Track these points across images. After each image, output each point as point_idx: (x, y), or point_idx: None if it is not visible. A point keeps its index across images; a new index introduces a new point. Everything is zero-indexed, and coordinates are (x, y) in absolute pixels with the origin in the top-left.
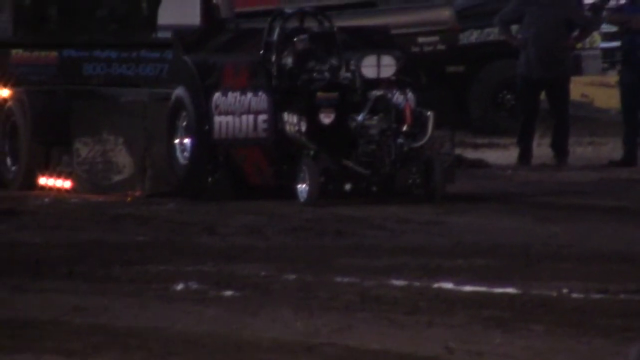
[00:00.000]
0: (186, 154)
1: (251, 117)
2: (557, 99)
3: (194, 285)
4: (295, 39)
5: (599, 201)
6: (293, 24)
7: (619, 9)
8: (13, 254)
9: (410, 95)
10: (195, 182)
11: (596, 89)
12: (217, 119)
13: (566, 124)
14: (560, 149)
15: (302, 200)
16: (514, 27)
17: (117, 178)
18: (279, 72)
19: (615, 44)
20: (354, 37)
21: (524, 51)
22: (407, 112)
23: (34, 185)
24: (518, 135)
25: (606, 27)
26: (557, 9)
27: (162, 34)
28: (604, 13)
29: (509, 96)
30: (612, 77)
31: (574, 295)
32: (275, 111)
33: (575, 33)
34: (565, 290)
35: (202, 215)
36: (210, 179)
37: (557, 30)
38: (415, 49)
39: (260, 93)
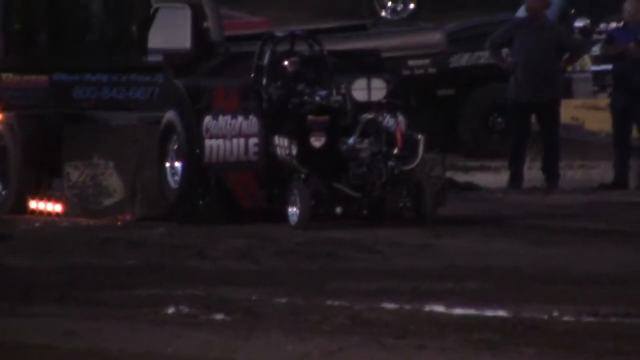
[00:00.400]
0: (177, 177)
1: (242, 140)
2: (547, 122)
3: (184, 309)
4: (285, 62)
5: (590, 224)
6: (284, 47)
7: (610, 38)
8: (3, 278)
9: (400, 118)
10: (186, 206)
11: (586, 112)
12: (208, 142)
13: (557, 147)
14: (551, 172)
15: (293, 223)
16: (505, 51)
17: (107, 202)
18: (270, 95)
19: (606, 67)
20: (345, 60)
21: (514, 74)
22: (398, 135)
23: (24, 209)
24: (509, 159)
25: (596, 51)
26: (547, 33)
27: (152, 58)
28: (594, 36)
29: (499, 119)
30: (603, 99)
31: (565, 318)
32: (266, 134)
33: (566, 56)
34: (556, 313)
35: (192, 238)
36: (201, 203)
37: (547, 54)
38: (406, 72)
39: (251, 116)
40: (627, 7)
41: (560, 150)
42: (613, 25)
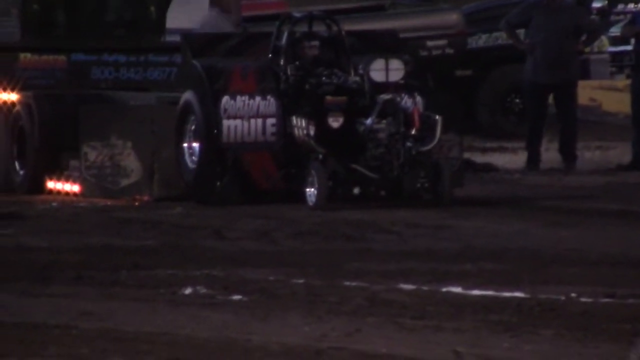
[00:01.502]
0: (194, 158)
1: (260, 121)
2: (564, 104)
3: (202, 290)
4: (304, 44)
5: (607, 205)
6: (301, 28)
7: (632, 20)
8: (21, 259)
9: (418, 99)
10: (204, 187)
11: (604, 93)
12: (226, 123)
13: (574, 129)
14: (568, 153)
15: (310, 204)
16: (521, 32)
17: (125, 182)
18: (287, 76)
19: (624, 48)
20: (363, 41)
21: (531, 56)
22: (416, 116)
23: (42, 189)
24: (526, 140)
25: (614, 32)
26: (565, 14)
27: (170, 38)
28: (612, 18)
29: (517, 100)
30: (621, 81)
31: (582, 299)
32: (284, 115)
33: (583, 38)
34: (573, 295)
35: (210, 219)
36: (218, 183)
37: (565, 35)
38: (424, 53)
39: (268, 97)
40: None
41: (577, 131)
42: (631, 6)
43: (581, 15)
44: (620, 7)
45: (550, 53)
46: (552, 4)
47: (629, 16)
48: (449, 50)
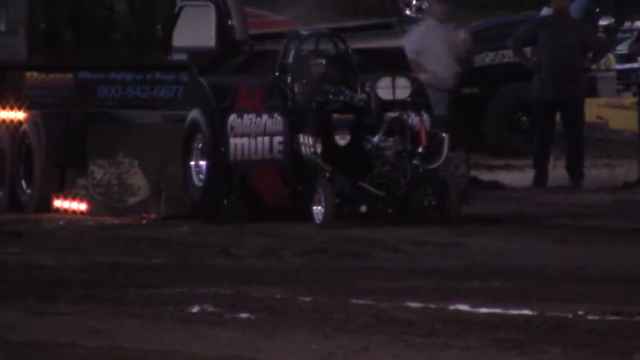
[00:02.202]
0: (202, 176)
1: (267, 138)
2: (571, 121)
3: (209, 308)
4: (311, 62)
5: (615, 223)
6: (309, 45)
7: (639, 37)
8: (28, 277)
9: (425, 116)
10: (211, 205)
11: (611, 111)
12: (233, 140)
13: (581, 146)
14: (575, 171)
15: (317, 222)
16: (528, 49)
17: (132, 200)
18: (294, 94)
19: (631, 65)
20: (370, 59)
21: (537, 73)
22: (423, 134)
23: (49, 207)
24: (533, 157)
25: (621, 49)
26: (571, 31)
27: (177, 56)
28: (618, 35)
29: (524, 118)
30: (627, 98)
31: (590, 317)
32: (291, 133)
33: (590, 55)
34: (580, 312)
35: (217, 237)
36: (225, 201)
37: (571, 53)
38: None
39: (275, 115)
40: None
41: (584, 149)
42: (638, 24)
43: (587, 33)
44: (627, 24)
45: (557, 70)
46: (558, 21)
47: (635, 33)
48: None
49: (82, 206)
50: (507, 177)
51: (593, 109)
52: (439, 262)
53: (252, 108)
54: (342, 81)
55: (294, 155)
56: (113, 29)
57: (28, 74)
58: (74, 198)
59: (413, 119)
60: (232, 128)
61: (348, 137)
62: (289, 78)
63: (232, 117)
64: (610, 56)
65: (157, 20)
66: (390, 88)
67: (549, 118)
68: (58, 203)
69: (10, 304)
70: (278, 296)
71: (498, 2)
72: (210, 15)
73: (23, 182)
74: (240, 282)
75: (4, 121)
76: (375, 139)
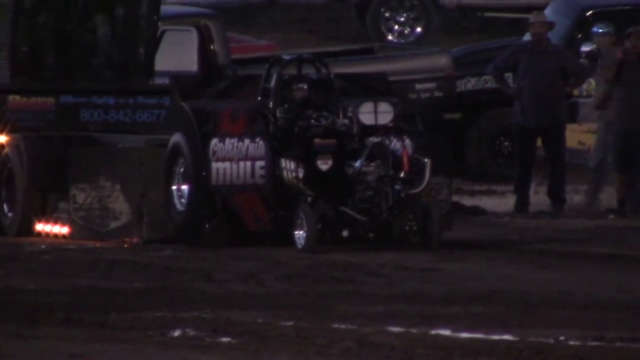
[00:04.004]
0: (184, 200)
1: (249, 163)
2: (552, 147)
3: (191, 332)
4: (293, 87)
5: (596, 249)
6: (291, 70)
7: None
8: (9, 301)
9: (407, 141)
10: (193, 229)
11: (593, 137)
12: (215, 165)
13: (562, 172)
14: (557, 196)
15: (299, 246)
16: (510, 75)
17: (114, 224)
18: (277, 118)
19: None
20: (352, 84)
21: (518, 100)
22: (405, 159)
23: (30, 231)
24: (515, 183)
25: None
26: (551, 57)
27: (159, 80)
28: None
29: (506, 143)
30: None
31: (571, 342)
32: (273, 157)
33: (571, 80)
34: (562, 338)
35: (199, 261)
36: (207, 226)
37: (552, 78)
38: (413, 96)
39: (257, 139)
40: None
41: (566, 174)
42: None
43: (567, 58)
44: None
45: (538, 96)
46: (538, 47)
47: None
48: (438, 93)
49: (64, 230)
50: (488, 203)
51: (575, 135)
52: (421, 287)
53: (234, 133)
54: (324, 106)
55: (276, 180)
56: (95, 53)
57: (10, 97)
58: (55, 222)
59: (395, 144)
60: (214, 152)
61: (330, 162)
62: (271, 103)
63: (214, 142)
64: (592, 81)
65: (139, 44)
66: (373, 113)
67: (530, 144)
68: (40, 227)
69: None
70: (260, 320)
71: (481, 27)
72: (192, 40)
73: (5, 206)
74: (221, 306)
75: None
76: (357, 163)
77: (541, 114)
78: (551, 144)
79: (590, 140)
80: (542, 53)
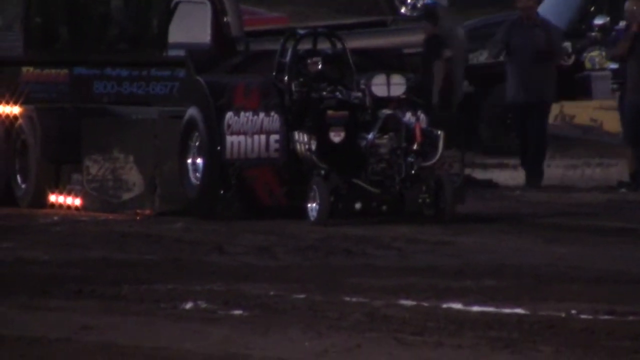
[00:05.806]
0: (198, 174)
1: (263, 137)
2: (533, 121)
3: (202, 305)
4: (308, 61)
5: (608, 222)
6: (306, 44)
7: (615, 39)
8: (22, 272)
9: (420, 114)
10: (207, 202)
11: (605, 113)
12: (229, 139)
13: (541, 147)
14: (531, 169)
15: (312, 219)
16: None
17: (127, 196)
18: (291, 92)
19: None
20: (367, 58)
21: (510, 78)
22: (418, 131)
23: (44, 203)
24: (520, 158)
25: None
26: (539, 32)
27: (172, 52)
28: (613, 34)
29: None
30: None
31: (582, 316)
32: (287, 131)
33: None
34: (573, 312)
35: (211, 234)
36: (221, 199)
37: (538, 54)
38: None
39: (272, 113)
40: (628, 7)
41: (545, 150)
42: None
43: (552, 36)
44: (622, 23)
45: (524, 73)
46: (527, 22)
47: (613, 34)
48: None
49: (77, 201)
50: (501, 176)
51: (587, 112)
52: (433, 261)
53: (248, 106)
54: (339, 80)
55: (290, 154)
56: (109, 25)
57: (24, 69)
58: (68, 193)
59: (408, 116)
60: (229, 126)
61: (343, 134)
62: (286, 77)
63: (229, 115)
64: (603, 53)
65: (152, 16)
66: (385, 85)
67: (523, 119)
68: (53, 198)
69: (3, 299)
70: (271, 293)
71: (493, 0)
72: (205, 12)
73: (18, 177)
74: (233, 279)
75: None
76: (370, 136)
77: (527, 91)
78: (533, 119)
79: (603, 117)
80: (530, 27)
